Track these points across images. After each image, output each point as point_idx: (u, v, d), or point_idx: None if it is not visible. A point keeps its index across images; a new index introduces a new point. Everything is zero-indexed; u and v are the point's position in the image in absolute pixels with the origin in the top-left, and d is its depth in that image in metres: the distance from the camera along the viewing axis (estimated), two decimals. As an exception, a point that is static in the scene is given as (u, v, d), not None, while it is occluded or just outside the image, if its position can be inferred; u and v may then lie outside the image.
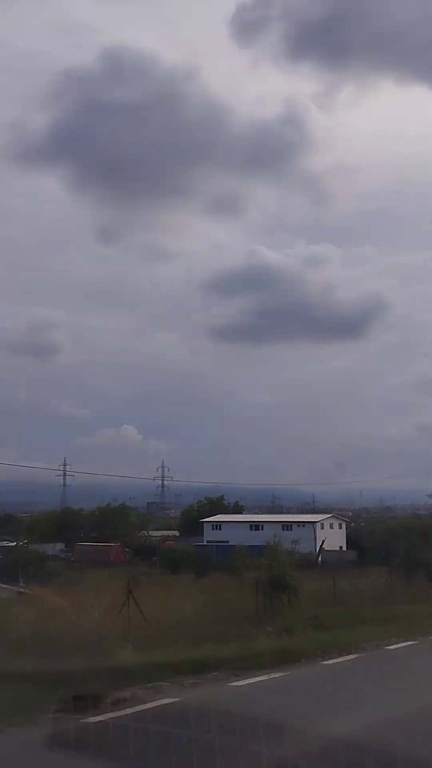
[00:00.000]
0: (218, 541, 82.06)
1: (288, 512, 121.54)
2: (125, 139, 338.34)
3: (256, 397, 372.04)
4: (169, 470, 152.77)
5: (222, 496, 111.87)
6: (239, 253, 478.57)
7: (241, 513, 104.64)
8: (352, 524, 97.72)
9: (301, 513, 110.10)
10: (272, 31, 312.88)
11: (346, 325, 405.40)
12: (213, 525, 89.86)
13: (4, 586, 32.90)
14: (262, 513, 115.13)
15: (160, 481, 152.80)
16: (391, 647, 15.75)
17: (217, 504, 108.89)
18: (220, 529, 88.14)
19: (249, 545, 77.54)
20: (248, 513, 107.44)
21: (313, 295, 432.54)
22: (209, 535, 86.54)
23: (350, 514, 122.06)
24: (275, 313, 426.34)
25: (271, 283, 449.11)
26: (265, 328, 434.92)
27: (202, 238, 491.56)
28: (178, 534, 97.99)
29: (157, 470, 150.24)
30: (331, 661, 13.87)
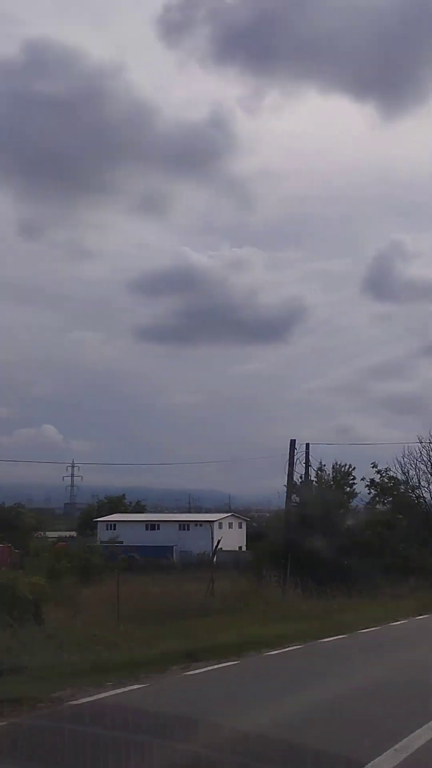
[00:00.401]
0: (112, 542, 79.71)
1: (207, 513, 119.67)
2: (49, 134, 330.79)
3: (181, 398, 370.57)
4: (79, 469, 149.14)
5: (123, 495, 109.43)
6: (165, 254, 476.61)
7: (142, 512, 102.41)
8: (254, 524, 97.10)
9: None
10: (198, 33, 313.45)
11: (270, 328, 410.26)
12: (107, 525, 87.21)
13: None
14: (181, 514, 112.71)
15: (70, 481, 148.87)
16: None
17: (118, 503, 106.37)
18: (114, 528, 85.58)
19: (144, 546, 76.33)
20: (164, 513, 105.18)
21: (238, 297, 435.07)
22: (104, 536, 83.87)
23: (267, 515, 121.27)
24: (201, 314, 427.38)
25: (197, 285, 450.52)
26: (190, 330, 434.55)
27: (128, 238, 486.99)
28: (75, 534, 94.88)
29: (67, 469, 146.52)
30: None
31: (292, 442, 30.95)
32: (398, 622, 20.86)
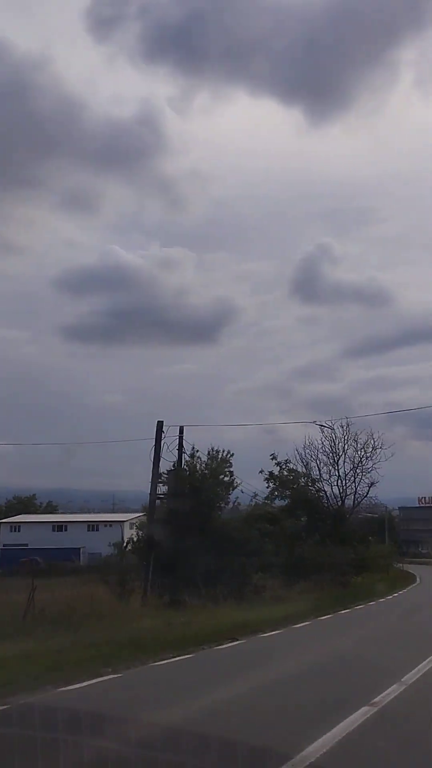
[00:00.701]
0: (15, 545, 74.95)
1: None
2: None
3: (107, 398, 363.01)
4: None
5: (34, 495, 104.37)
6: (93, 252, 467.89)
7: (53, 513, 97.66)
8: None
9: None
10: (129, 29, 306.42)
11: (198, 329, 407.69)
12: (12, 526, 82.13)
13: None
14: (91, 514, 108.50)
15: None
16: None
17: (28, 504, 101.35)
18: (19, 530, 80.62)
19: (50, 548, 71.79)
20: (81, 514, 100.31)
21: (167, 298, 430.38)
22: (7, 538, 78.85)
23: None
24: (128, 314, 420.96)
25: (125, 284, 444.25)
26: (118, 329, 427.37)
27: (55, 234, 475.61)
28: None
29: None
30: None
31: (159, 425, 27.12)
32: (232, 644, 15.63)
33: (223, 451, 30.38)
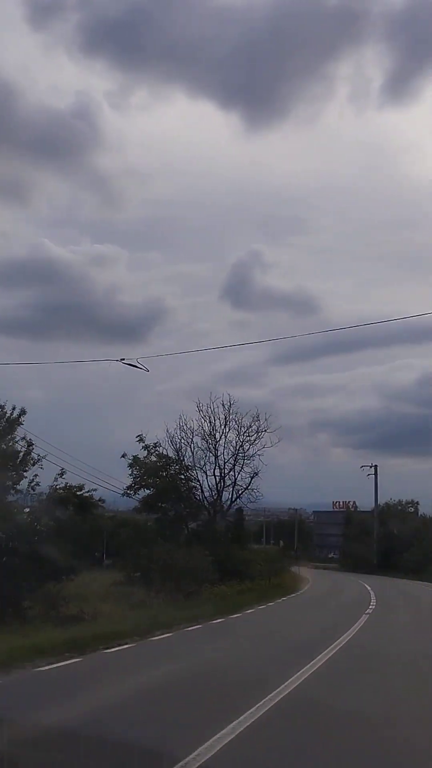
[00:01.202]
0: None
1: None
2: None
3: (29, 394, 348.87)
4: None
5: None
6: (23, 244, 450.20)
7: None
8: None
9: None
10: (68, 19, 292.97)
11: (129, 328, 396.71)
12: None
13: None
14: None
15: None
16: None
17: None
18: None
19: None
20: None
21: (98, 295, 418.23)
22: None
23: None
24: (57, 309, 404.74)
25: (55, 279, 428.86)
26: (45, 324, 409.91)
27: None
28: None
29: None
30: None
31: None
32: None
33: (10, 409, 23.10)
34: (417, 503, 76.21)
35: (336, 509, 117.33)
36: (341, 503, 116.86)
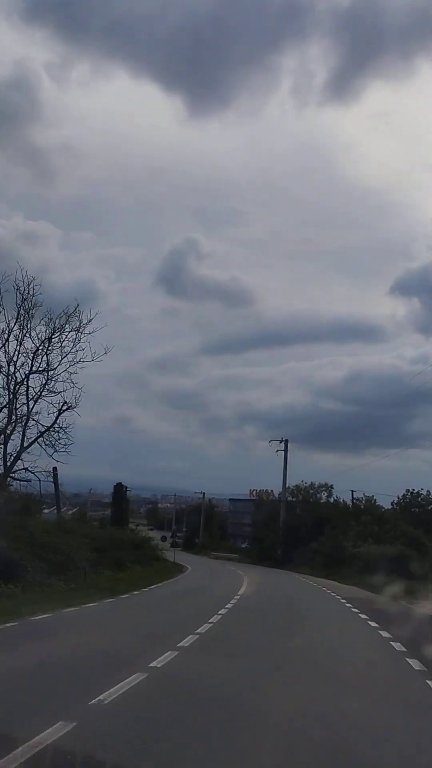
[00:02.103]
0: None
1: None
2: None
3: None
4: None
5: None
6: None
7: None
8: None
9: None
10: None
11: (57, 309, 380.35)
12: None
13: None
14: None
15: None
16: None
17: None
18: None
19: None
20: None
21: (26, 273, 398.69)
22: None
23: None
24: None
25: None
26: None
27: None
28: None
29: None
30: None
31: None
32: None
33: None
34: (331, 487, 66.35)
35: (252, 497, 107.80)
36: (257, 491, 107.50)
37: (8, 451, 27.47)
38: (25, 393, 27.85)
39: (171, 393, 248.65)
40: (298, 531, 60.73)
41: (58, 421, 28.42)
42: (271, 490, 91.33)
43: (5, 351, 27.60)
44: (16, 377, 27.67)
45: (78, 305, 28.79)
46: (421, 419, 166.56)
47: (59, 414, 28.38)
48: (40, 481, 29.45)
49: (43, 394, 28.07)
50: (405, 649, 13.21)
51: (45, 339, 28.14)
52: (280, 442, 63.94)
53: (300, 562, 55.45)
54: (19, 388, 27.69)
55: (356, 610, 22.46)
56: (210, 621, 16.40)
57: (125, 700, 7.87)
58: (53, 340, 28.17)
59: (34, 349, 27.94)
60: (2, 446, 27.05)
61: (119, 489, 70.21)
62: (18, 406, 27.49)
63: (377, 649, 14.02)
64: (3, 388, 27.44)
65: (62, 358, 28.28)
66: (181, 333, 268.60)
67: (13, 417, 27.16)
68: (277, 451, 64.03)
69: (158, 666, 10.16)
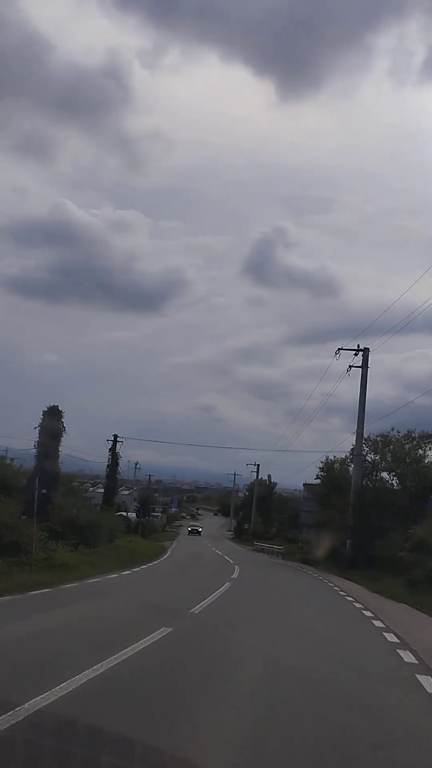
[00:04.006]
0: None
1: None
2: None
3: (44, 357, 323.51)
4: None
5: None
6: (44, 203, 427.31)
7: None
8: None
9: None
10: None
11: (145, 297, 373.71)
12: None
13: None
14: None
15: None
16: None
17: None
18: None
19: None
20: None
21: (116, 261, 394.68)
22: None
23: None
24: (74, 273, 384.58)
25: (74, 242, 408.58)
26: (62, 287, 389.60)
27: (5, 179, 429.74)
28: None
29: None
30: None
31: None
32: None
33: None
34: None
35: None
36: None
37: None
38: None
39: (255, 382, 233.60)
40: (383, 509, 34.41)
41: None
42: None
43: None
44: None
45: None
46: None
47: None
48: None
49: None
50: None
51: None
52: (356, 352, 37.24)
53: (386, 566, 29.20)
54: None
55: None
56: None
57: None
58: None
59: None
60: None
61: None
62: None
63: None
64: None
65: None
66: (267, 322, 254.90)
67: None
68: (351, 367, 37.44)
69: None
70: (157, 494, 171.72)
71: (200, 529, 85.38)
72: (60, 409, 32.18)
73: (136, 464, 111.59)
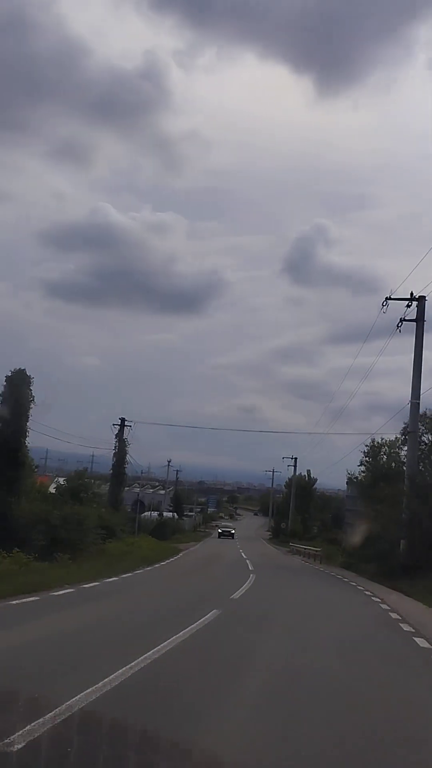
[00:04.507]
0: None
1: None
2: None
3: (84, 360, 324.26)
4: None
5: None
6: (82, 208, 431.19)
7: None
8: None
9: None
10: None
11: (184, 299, 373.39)
12: None
13: None
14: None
15: None
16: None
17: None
18: None
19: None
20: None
21: (155, 263, 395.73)
22: None
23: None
24: (113, 276, 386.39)
25: (113, 245, 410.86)
26: (101, 290, 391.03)
27: (43, 184, 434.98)
28: None
29: None
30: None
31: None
32: None
33: None
34: None
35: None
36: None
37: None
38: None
39: (295, 382, 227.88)
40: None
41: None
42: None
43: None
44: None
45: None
46: None
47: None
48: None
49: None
50: None
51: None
52: (409, 303, 29.45)
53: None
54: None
55: None
56: None
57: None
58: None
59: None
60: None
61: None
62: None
63: None
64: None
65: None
66: (307, 321, 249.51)
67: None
68: (403, 321, 29.66)
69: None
70: (196, 494, 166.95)
71: (233, 531, 75.75)
72: (27, 373, 25.29)
73: (168, 462, 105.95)
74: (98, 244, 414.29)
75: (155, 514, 68.16)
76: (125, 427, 45.32)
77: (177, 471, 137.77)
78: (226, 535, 71.94)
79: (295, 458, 68.45)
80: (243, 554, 40.19)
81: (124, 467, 45.80)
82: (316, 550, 42.51)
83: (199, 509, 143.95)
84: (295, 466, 68.75)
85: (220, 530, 77.36)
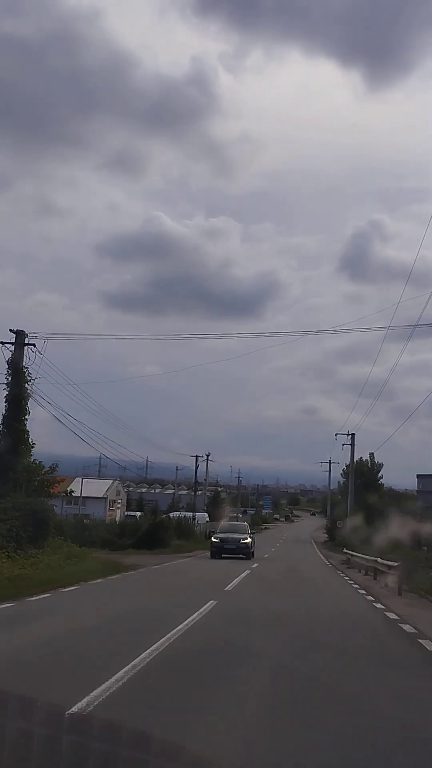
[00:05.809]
0: None
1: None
2: (17, 78, 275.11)
3: (147, 369, 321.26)
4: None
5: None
6: (137, 217, 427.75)
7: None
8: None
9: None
10: None
11: (241, 303, 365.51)
12: None
13: None
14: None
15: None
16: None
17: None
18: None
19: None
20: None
21: (211, 269, 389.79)
22: None
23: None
24: (170, 284, 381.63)
25: (169, 253, 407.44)
26: (159, 299, 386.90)
27: (98, 196, 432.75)
28: None
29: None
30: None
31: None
32: None
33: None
34: None
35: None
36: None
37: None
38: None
39: (357, 381, 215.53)
40: None
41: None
42: None
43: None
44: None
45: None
46: None
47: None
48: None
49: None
50: None
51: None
52: None
53: None
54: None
55: None
56: None
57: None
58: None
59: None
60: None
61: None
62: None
63: None
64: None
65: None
66: (366, 319, 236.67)
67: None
68: None
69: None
70: (253, 496, 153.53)
71: (245, 540, 37.41)
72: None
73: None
74: (154, 253, 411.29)
75: (176, 514, 60.14)
76: (25, 346, 27.10)
77: (239, 476, 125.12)
78: (229, 551, 36.83)
79: (352, 434, 52.15)
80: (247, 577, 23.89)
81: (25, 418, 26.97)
82: (392, 564, 24.80)
83: (253, 511, 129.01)
84: (352, 444, 52.51)
85: (215, 539, 38.80)
